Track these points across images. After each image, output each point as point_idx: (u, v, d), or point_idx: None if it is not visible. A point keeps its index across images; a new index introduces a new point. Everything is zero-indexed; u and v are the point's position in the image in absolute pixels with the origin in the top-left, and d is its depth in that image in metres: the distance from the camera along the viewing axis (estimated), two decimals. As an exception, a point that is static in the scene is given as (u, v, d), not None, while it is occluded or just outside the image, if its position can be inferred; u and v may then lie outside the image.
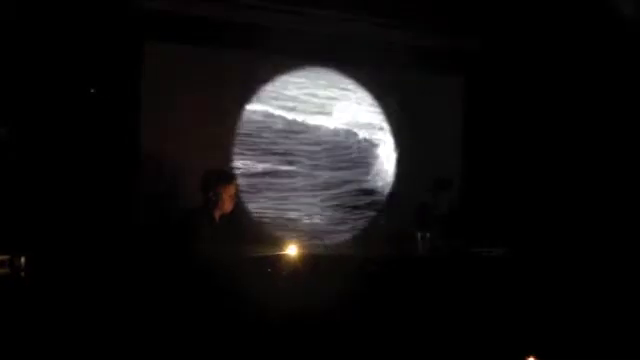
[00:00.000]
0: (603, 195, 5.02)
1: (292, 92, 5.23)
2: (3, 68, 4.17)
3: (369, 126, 5.47)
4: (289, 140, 5.19)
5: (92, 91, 4.41)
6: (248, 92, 5.07)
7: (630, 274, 4.39)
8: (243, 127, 5.04)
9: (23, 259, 3.51)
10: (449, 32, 5.39)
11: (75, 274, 3.88)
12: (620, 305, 4.20)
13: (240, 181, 4.82)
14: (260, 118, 5.11)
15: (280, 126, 5.17)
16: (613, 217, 4.92)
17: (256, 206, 5.04)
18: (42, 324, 3.46)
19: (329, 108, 5.35)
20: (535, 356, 3.75)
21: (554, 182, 5.26)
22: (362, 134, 5.44)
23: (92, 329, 3.62)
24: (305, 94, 5.27)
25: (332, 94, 5.35)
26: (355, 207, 5.38)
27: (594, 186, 5.06)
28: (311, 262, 3.82)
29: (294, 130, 5.22)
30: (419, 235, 4.29)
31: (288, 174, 5.18)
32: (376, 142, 5.49)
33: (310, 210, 5.22)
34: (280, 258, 3.80)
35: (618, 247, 4.72)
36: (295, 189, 5.18)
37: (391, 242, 4.77)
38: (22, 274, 3.48)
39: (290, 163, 5.18)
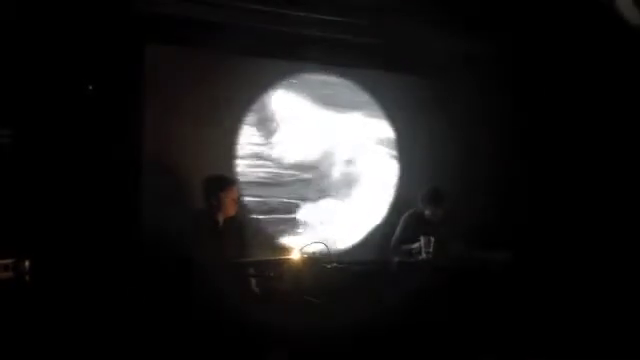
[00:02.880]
0: (606, 198, 5.05)
1: (293, 95, 5.22)
2: (4, 69, 4.15)
3: (372, 130, 5.46)
4: (291, 143, 5.19)
5: (90, 87, 4.38)
6: (249, 95, 5.06)
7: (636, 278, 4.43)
8: (245, 129, 5.03)
9: (27, 263, 3.50)
10: (455, 36, 5.39)
11: (79, 277, 3.88)
12: (625, 309, 4.24)
13: (242, 184, 4.83)
14: (262, 120, 5.10)
15: (282, 129, 5.17)
16: (617, 221, 4.94)
17: (259, 209, 5.02)
18: (46, 327, 3.46)
19: (331, 112, 5.34)
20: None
21: (558, 186, 5.29)
22: (364, 137, 5.44)
23: (95, 333, 3.63)
24: (306, 97, 5.27)
25: (334, 98, 5.33)
26: (358, 211, 5.39)
27: (599, 189, 5.09)
28: (314, 266, 3.82)
29: (296, 133, 5.21)
30: (422, 240, 4.31)
31: (290, 178, 5.17)
32: (378, 145, 5.49)
33: (313, 214, 5.22)
34: (283, 262, 3.81)
35: (623, 250, 4.75)
36: (297, 193, 5.17)
37: (394, 247, 4.77)
38: (26, 278, 3.48)
39: (292, 167, 5.17)
